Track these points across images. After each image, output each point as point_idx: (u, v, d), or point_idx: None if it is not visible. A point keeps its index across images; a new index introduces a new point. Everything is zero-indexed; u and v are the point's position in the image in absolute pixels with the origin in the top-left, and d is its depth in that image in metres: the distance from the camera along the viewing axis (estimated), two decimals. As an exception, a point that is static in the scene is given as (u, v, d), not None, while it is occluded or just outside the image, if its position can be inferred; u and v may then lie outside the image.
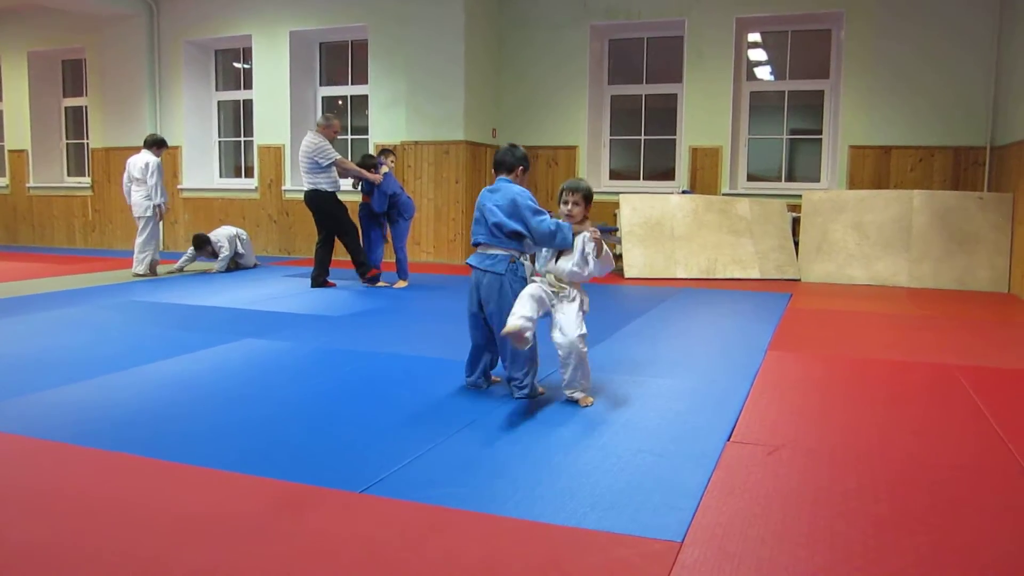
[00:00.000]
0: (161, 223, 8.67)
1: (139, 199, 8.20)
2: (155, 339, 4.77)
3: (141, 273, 8.20)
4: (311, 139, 7.33)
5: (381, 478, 2.49)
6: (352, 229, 7.52)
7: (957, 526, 2.20)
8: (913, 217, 7.94)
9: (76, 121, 12.53)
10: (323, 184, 7.36)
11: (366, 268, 7.43)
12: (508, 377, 3.48)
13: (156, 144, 8.27)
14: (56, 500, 2.33)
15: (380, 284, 7.52)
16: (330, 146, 7.33)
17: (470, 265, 3.55)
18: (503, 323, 3.18)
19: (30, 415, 3.18)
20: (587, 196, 3.42)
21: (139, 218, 8.25)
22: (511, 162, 3.60)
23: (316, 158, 7.26)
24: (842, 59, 8.75)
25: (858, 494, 2.41)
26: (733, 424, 3.11)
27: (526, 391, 3.43)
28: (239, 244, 8.90)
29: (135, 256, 8.25)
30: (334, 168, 7.37)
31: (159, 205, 8.22)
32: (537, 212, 3.39)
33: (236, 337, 4.83)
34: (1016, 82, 7.47)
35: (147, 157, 8.16)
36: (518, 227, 3.39)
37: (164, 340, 4.73)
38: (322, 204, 7.42)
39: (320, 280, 7.40)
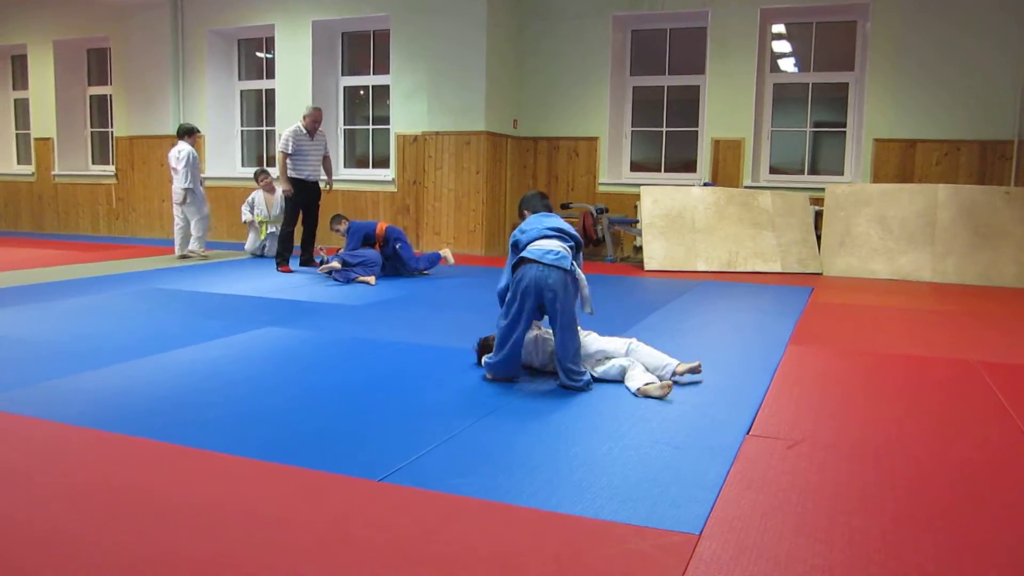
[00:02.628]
0: (207, 207, 9.06)
1: (174, 187, 8.81)
2: (177, 326, 4.83)
3: (196, 252, 8.86)
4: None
5: (400, 467, 2.51)
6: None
7: (977, 522, 2.18)
8: (938, 211, 7.85)
9: (101, 109, 12.65)
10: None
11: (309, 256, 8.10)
12: (564, 368, 3.49)
13: (187, 132, 8.78)
14: (77, 484, 2.36)
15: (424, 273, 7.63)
16: (289, 135, 7.77)
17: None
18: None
19: (53, 400, 3.23)
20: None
21: (177, 205, 8.85)
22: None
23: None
24: (867, 51, 8.64)
25: (877, 489, 2.40)
26: (752, 417, 3.10)
27: (581, 382, 3.47)
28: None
29: (193, 237, 8.92)
30: (291, 156, 7.81)
31: (187, 189, 8.68)
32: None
33: (257, 325, 4.88)
34: (1046, 75, 7.35)
35: (180, 145, 8.69)
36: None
37: (186, 327, 4.78)
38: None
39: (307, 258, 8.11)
